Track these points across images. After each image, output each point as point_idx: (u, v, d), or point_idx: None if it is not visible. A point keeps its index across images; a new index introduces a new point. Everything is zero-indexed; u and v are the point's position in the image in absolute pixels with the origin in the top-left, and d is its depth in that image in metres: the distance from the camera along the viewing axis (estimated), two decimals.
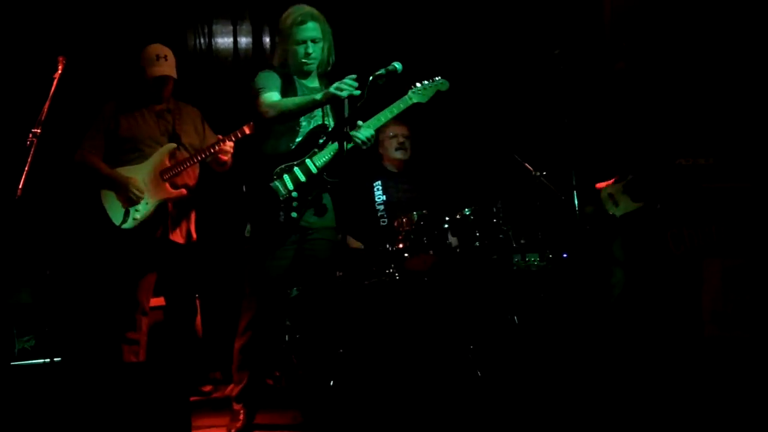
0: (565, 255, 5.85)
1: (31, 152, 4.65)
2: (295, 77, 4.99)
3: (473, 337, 5.45)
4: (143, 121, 5.50)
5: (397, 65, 4.75)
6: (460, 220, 5.56)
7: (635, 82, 5.81)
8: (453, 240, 5.53)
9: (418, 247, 5.51)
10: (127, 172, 5.38)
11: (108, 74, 6.56)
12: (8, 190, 4.72)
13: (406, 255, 5.52)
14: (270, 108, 4.79)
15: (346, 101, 4.64)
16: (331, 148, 4.88)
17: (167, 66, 5.48)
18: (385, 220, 6.04)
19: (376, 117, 4.96)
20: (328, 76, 5.04)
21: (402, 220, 5.59)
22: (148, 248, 5.40)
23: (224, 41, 7.30)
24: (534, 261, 5.75)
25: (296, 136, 4.92)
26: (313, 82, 5.05)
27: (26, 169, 4.64)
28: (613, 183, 5.62)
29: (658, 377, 5.17)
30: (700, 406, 4.63)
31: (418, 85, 5.06)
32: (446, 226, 5.55)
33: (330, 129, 4.97)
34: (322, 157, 4.89)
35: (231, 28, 7.25)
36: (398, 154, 6.18)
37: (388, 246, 5.62)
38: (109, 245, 5.42)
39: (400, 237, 5.57)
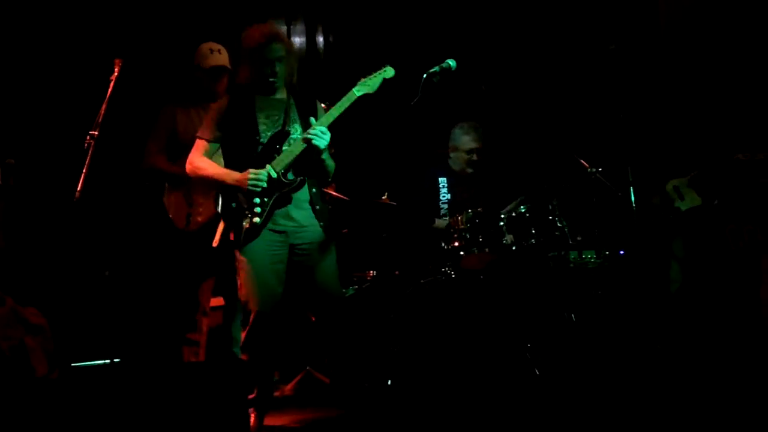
0: (622, 252, 5.80)
1: (89, 154, 4.69)
2: (256, 96, 4.81)
3: (530, 336, 5.42)
4: (198, 122, 5.53)
5: (452, 62, 4.75)
6: (516, 217, 5.54)
7: (692, 78, 5.75)
8: (509, 238, 5.50)
9: (473, 246, 5.49)
10: None
11: (164, 77, 6.61)
12: (67, 192, 4.77)
13: (461, 253, 5.51)
14: (194, 169, 4.73)
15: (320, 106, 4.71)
16: (288, 152, 4.65)
17: (222, 58, 5.52)
18: (446, 219, 6.02)
19: (328, 114, 4.68)
20: (293, 89, 4.86)
21: (457, 218, 5.59)
22: (209, 250, 5.44)
23: None
24: (591, 258, 5.71)
25: (257, 145, 4.71)
26: (281, 94, 4.85)
27: (84, 171, 4.69)
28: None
29: (719, 373, 5.11)
30: (762, 402, 4.57)
31: (363, 78, 4.76)
32: (502, 224, 5.52)
33: (293, 135, 4.73)
34: (281, 162, 4.66)
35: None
36: (469, 169, 6.17)
37: (443, 244, 5.62)
38: (172, 248, 5.47)
39: (456, 235, 5.57)
